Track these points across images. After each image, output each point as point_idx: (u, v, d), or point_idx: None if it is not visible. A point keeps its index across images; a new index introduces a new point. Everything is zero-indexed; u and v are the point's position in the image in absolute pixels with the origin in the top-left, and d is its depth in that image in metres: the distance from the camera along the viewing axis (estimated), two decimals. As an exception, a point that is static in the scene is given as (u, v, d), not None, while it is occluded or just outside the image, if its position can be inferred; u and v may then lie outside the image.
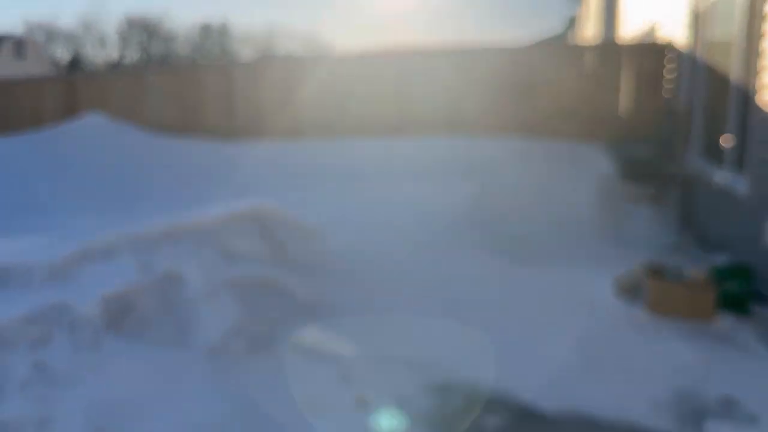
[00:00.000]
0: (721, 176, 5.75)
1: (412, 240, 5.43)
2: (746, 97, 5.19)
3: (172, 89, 10.44)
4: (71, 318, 3.51)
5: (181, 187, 7.70)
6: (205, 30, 52.24)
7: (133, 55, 50.33)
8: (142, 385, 3.15)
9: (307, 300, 4.06)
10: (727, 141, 5.70)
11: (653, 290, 4.26)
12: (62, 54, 47.56)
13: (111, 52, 50.84)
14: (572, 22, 30.06)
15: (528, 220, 6.36)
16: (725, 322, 4.12)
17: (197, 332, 3.53)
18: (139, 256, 3.99)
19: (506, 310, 4.26)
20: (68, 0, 66.08)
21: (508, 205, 6.50)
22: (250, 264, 4.17)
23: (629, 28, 12.17)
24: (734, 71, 5.50)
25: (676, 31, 8.18)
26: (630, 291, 4.53)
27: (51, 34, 48.25)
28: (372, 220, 5.76)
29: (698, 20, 7.09)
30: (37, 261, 4.01)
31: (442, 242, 5.38)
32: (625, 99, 9.22)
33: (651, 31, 10.13)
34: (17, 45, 31.95)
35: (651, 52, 9.01)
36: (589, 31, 20.76)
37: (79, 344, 3.38)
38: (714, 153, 6.31)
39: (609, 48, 9.71)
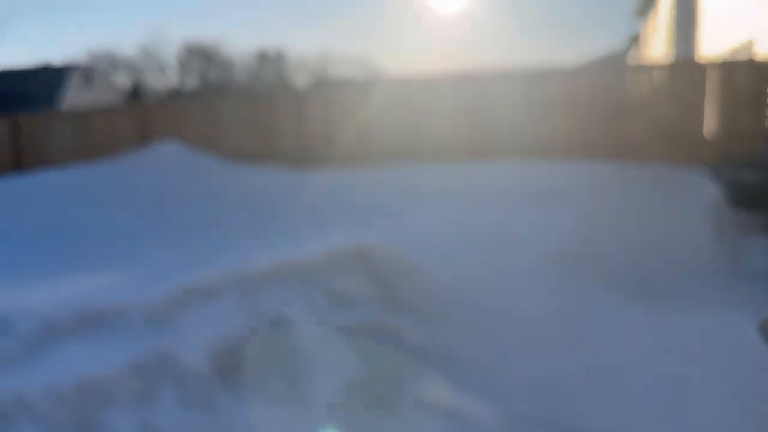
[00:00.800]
0: None
1: (517, 275, 4.99)
2: None
3: (244, 116, 10.31)
4: (178, 370, 3.20)
5: (260, 217, 7.45)
6: (262, 57, 53.08)
7: (192, 82, 51.44)
8: (261, 451, 2.80)
9: (422, 347, 3.67)
10: None
11: (816, 339, 3.73)
12: (123, 82, 48.89)
13: (171, 79, 52.08)
14: (634, 41, 29.29)
15: (636, 251, 5.85)
16: None
17: (314, 387, 3.18)
18: (244, 298, 3.68)
19: (644, 361, 3.78)
20: (128, 28, 68.32)
21: (612, 236, 6.00)
22: (360, 307, 3.81)
23: (713, 45, 11.56)
24: None
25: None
26: (782, 338, 4.00)
27: (113, 62, 49.74)
28: (467, 253, 5.34)
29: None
30: (135, 303, 3.74)
31: (549, 278, 4.92)
32: (719, 119, 8.64)
33: (746, 48, 9.53)
34: (85, 74, 32.88)
35: (749, 70, 8.43)
36: (657, 49, 20.06)
37: (188, 401, 3.06)
38: None
39: (696, 66, 9.16)
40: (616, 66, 14.07)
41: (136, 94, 46.06)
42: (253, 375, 3.25)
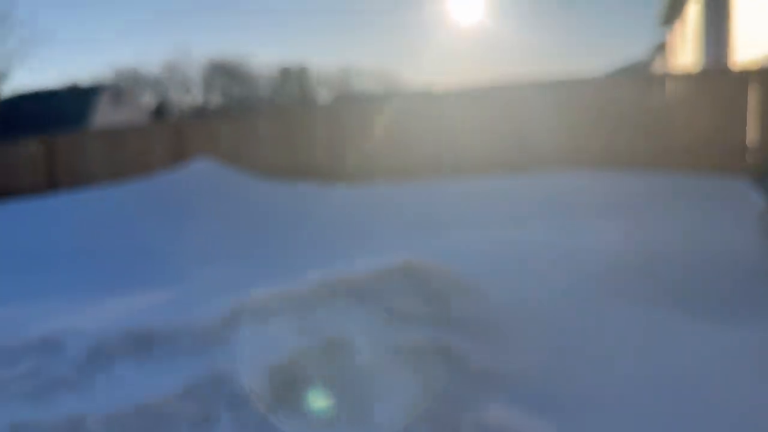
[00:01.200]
0: None
1: (568, 290, 4.85)
2: None
3: (278, 132, 10.32)
4: (234, 392, 3.13)
5: (297, 232, 7.41)
6: (285, 73, 53.47)
7: (216, 99, 51.92)
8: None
9: (483, 369, 3.56)
10: None
11: None
12: (149, 100, 49.43)
13: (195, 97, 52.61)
14: (660, 49, 28.98)
15: (686, 264, 5.67)
16: None
17: (375, 412, 3.08)
18: (296, 317, 3.60)
19: (713, 376, 3.62)
20: (152, 46, 69.34)
21: (663, 248, 5.84)
22: (415, 326, 3.72)
23: (747, 51, 11.34)
24: None
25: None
26: None
27: (138, 80, 50.41)
28: (517, 269, 5.23)
29: None
30: (186, 323, 3.68)
31: (605, 293, 4.78)
32: (760, 127, 8.46)
33: (786, 54, 9.32)
34: (114, 93, 33.35)
35: (790, 76, 8.26)
36: (686, 57, 19.79)
37: (244, 425, 2.99)
38: None
39: (735, 73, 8.96)
40: (652, 74, 13.89)
41: (161, 112, 46.59)
42: (310, 398, 3.17)
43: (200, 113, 42.82)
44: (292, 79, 54.08)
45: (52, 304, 5.03)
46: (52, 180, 12.14)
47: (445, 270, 4.33)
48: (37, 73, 70.39)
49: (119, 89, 34.66)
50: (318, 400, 3.15)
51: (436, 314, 3.89)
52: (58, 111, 30.69)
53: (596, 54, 65.75)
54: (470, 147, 9.57)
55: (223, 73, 52.57)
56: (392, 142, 9.87)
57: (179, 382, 3.25)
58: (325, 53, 75.50)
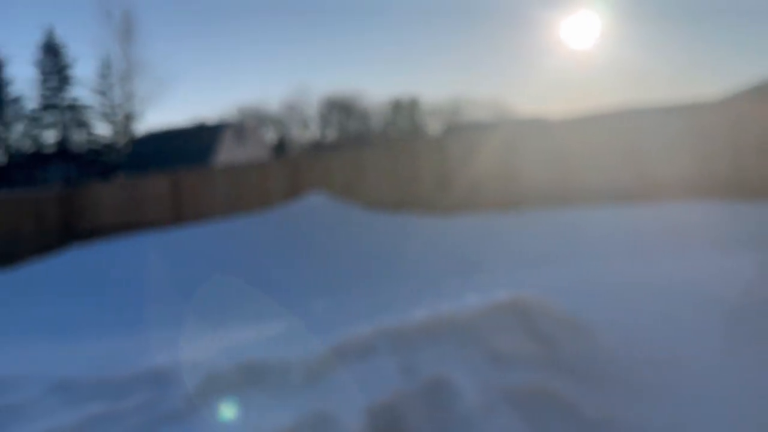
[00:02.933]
0: None
1: (692, 330, 4.49)
2: None
3: (386, 165, 10.45)
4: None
5: (407, 265, 7.39)
6: (396, 105, 54.34)
7: (332, 134, 53.52)
8: None
9: (597, 418, 3.33)
10: None
11: None
12: (270, 136, 51.66)
13: (313, 132, 54.48)
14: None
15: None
16: None
17: (480, 458, 2.95)
18: (399, 356, 3.54)
19: None
20: (274, 85, 72.68)
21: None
22: (522, 368, 3.55)
23: None
24: None
25: None
26: None
27: (260, 118, 52.87)
28: (633, 306, 4.91)
29: None
30: (295, 359, 3.71)
31: (738, 336, 4.38)
32: None
33: None
34: (237, 131, 35.17)
35: None
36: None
37: (347, 466, 2.95)
38: None
39: None
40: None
41: (281, 147, 48.51)
42: (413, 441, 3.09)
43: (317, 148, 44.21)
44: (404, 111, 54.84)
45: (169, 333, 5.25)
46: (176, 213, 12.88)
47: (554, 308, 4.13)
48: (166, 111, 75.93)
49: (242, 127, 36.51)
50: (420, 444, 3.06)
51: (545, 355, 3.70)
52: (187, 148, 32.72)
53: (721, 73, 61.89)
54: (584, 176, 9.22)
55: (339, 108, 54.17)
56: (499, 172, 9.70)
57: (286, 420, 3.26)
58: (436, 84, 76.17)
